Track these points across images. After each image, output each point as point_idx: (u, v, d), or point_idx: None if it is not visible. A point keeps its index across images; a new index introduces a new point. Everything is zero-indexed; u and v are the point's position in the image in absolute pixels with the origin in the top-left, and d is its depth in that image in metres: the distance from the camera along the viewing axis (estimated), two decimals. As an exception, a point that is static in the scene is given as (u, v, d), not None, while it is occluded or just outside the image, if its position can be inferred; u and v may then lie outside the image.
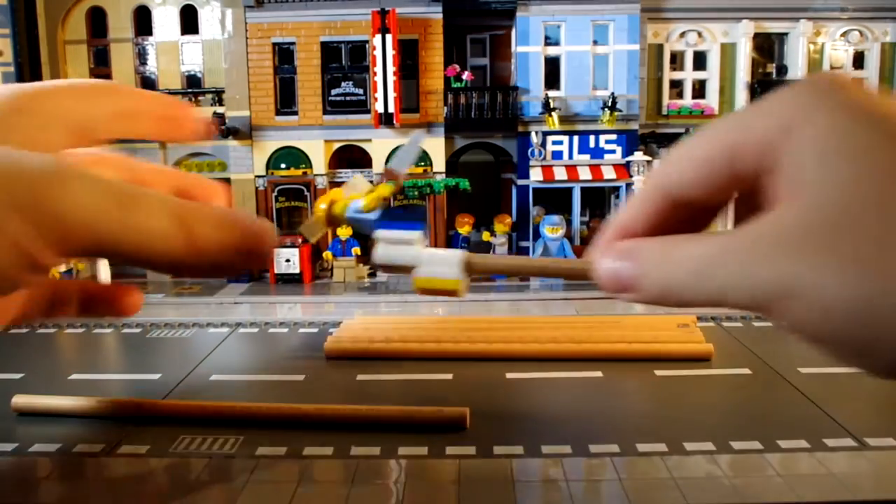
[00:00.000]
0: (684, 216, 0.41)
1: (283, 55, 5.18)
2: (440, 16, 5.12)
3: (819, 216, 0.32)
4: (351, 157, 5.57)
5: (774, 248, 0.33)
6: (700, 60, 5.41)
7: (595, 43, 5.27)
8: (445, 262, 0.51)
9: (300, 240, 5.54)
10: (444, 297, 0.50)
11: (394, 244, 0.62)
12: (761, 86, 5.33)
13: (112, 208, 0.35)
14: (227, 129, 5.11)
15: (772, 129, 0.34)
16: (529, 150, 5.37)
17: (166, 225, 0.37)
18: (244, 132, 5.22)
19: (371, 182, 0.73)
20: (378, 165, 5.39)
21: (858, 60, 5.52)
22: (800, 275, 0.32)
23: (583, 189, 5.52)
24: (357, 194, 0.68)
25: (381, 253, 0.62)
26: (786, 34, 5.30)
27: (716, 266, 0.36)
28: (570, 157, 5.44)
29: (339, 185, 5.15)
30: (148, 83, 5.33)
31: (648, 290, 0.40)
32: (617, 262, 0.41)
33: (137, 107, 0.49)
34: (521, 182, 5.48)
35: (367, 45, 5.07)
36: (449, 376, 0.73)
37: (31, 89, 0.44)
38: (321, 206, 0.68)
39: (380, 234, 0.63)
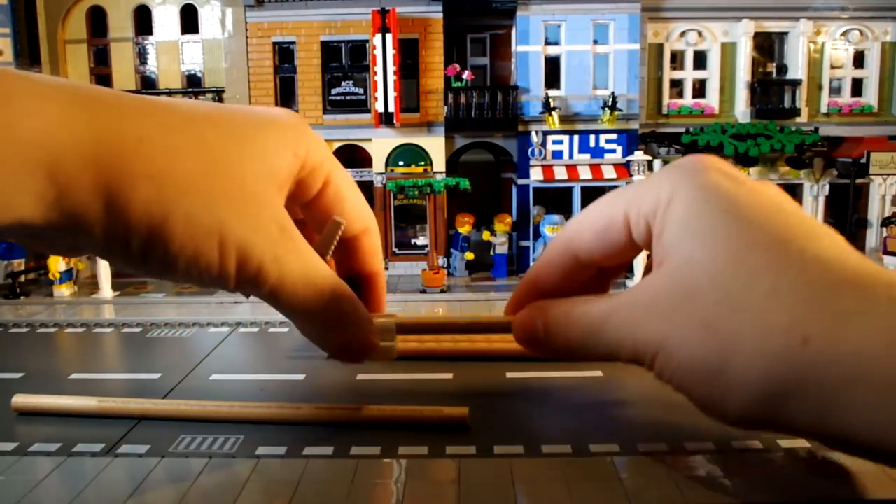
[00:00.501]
0: (590, 274, 0.47)
1: (284, 54, 5.18)
2: (440, 15, 5.12)
3: (678, 285, 0.37)
4: (352, 157, 5.57)
5: (647, 311, 0.38)
6: (700, 60, 5.41)
7: (595, 42, 5.27)
8: (381, 331, 0.57)
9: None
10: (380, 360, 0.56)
11: None
12: (761, 85, 5.33)
13: (300, 289, 0.43)
14: (227, 129, 5.13)
15: (654, 203, 0.39)
16: (530, 150, 5.37)
17: (325, 309, 0.45)
18: (244, 132, 5.23)
19: None
20: (378, 165, 5.39)
21: (859, 60, 5.52)
22: (665, 335, 0.37)
23: (583, 188, 5.52)
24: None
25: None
26: (786, 33, 5.30)
27: (606, 326, 0.41)
28: (571, 156, 5.43)
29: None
30: (148, 82, 5.34)
31: (554, 345, 0.46)
32: (529, 319, 0.47)
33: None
34: (521, 181, 5.48)
35: (367, 45, 5.08)
36: (449, 376, 0.73)
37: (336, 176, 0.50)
38: None
39: None
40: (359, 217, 0.52)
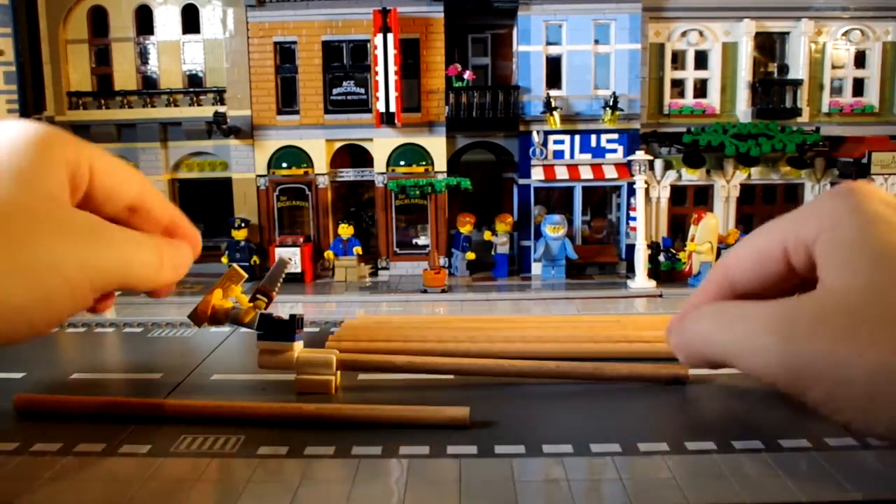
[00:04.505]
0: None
1: (285, 54, 5.18)
2: (441, 15, 5.12)
3: (841, 304, 0.39)
4: (353, 157, 5.57)
5: (811, 327, 0.40)
6: (701, 59, 5.40)
7: (596, 42, 5.27)
8: (320, 364, 0.63)
9: (301, 239, 5.54)
10: (321, 392, 0.62)
11: (275, 353, 0.74)
12: (763, 85, 5.32)
13: (129, 259, 0.48)
14: (228, 129, 5.11)
15: (815, 229, 0.42)
16: (531, 150, 5.37)
17: (154, 260, 0.51)
18: (245, 131, 5.22)
19: (244, 269, 0.88)
20: (379, 165, 5.39)
21: (860, 59, 5.51)
22: (826, 351, 0.38)
23: (584, 188, 5.52)
24: (238, 291, 0.80)
25: (263, 360, 0.75)
26: (787, 33, 5.29)
27: (724, 331, 0.45)
28: (572, 156, 5.43)
29: (339, 185, 5.17)
30: (149, 82, 5.34)
31: (673, 343, 0.51)
32: (672, 324, 0.53)
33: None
34: (522, 181, 5.48)
35: (368, 45, 5.07)
36: (450, 376, 0.73)
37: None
38: (204, 307, 0.80)
39: (261, 344, 0.75)
40: (126, 183, 0.55)
